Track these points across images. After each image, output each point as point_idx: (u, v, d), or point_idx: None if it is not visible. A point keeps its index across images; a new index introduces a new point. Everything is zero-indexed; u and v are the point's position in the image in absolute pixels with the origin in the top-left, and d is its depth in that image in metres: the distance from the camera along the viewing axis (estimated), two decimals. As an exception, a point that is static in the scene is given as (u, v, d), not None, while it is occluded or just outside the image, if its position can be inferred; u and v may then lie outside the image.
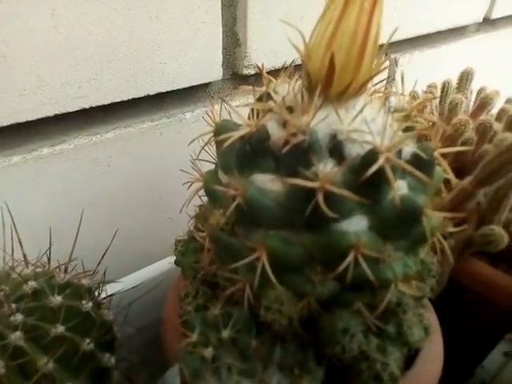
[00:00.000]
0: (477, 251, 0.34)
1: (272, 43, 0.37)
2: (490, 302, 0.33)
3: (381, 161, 0.18)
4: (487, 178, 0.30)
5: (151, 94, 0.32)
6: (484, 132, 0.36)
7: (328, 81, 0.20)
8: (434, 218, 0.22)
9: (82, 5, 0.27)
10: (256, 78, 0.38)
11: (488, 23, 0.68)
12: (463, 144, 0.36)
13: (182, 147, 0.29)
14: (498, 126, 0.36)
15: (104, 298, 0.27)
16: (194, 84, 0.35)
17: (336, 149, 0.20)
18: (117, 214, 0.33)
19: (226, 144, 0.21)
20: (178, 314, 0.26)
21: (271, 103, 0.22)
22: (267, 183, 0.21)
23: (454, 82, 0.45)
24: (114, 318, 0.26)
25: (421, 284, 0.24)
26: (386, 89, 0.41)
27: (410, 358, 0.26)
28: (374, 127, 0.21)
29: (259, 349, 0.22)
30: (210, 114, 0.24)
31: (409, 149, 0.22)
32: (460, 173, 0.35)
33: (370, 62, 0.20)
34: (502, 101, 0.46)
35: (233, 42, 0.36)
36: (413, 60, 0.57)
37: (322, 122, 0.20)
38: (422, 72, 0.58)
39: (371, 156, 0.19)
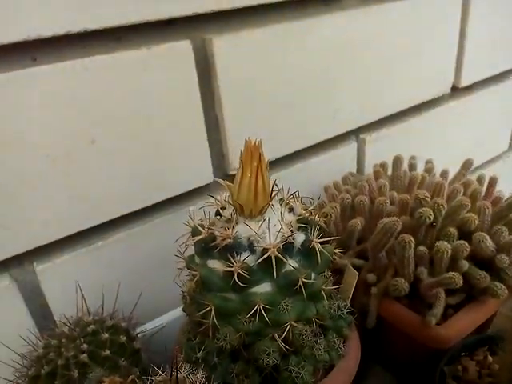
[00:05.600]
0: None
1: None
2: (405, 334, 0.46)
3: (266, 254, 0.34)
4: (375, 247, 0.44)
5: (164, 199, 0.50)
6: (402, 206, 0.49)
7: (240, 210, 0.36)
8: (315, 282, 0.36)
9: (118, 141, 0.46)
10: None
11: (457, 92, 0.80)
12: (388, 215, 0.50)
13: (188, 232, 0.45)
14: (412, 201, 0.49)
15: (136, 335, 0.44)
16: (194, 187, 0.52)
17: (251, 246, 0.36)
18: (143, 280, 0.50)
19: (193, 242, 0.38)
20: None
21: (217, 219, 0.38)
22: (214, 265, 0.36)
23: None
24: (141, 347, 0.43)
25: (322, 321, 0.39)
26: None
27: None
28: (274, 230, 0.36)
29: (220, 364, 0.38)
30: (188, 221, 0.40)
31: (301, 238, 0.37)
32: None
33: (262, 199, 0.35)
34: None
35: (219, 156, 0.53)
36: (379, 137, 0.71)
37: (241, 230, 0.36)
38: (390, 147, 0.71)
39: (263, 251, 0.34)
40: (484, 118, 0.88)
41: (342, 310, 0.42)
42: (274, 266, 0.34)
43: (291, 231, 0.37)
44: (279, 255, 0.34)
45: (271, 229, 0.36)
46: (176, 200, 0.53)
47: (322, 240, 0.37)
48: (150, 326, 0.48)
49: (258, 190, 0.35)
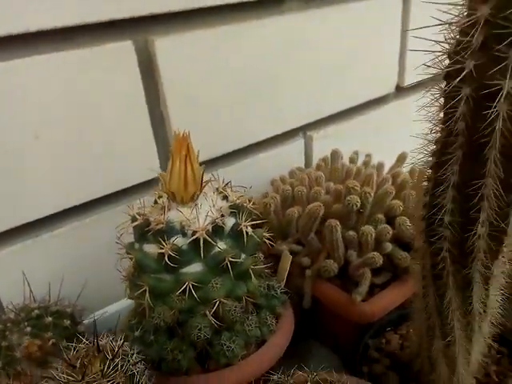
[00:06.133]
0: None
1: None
2: (336, 311, 0.49)
3: (195, 236, 0.37)
4: (303, 231, 0.47)
5: (112, 192, 0.53)
6: (336, 195, 0.53)
7: (173, 198, 0.39)
8: (245, 261, 0.40)
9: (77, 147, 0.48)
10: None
11: (402, 91, 0.85)
12: (323, 204, 0.53)
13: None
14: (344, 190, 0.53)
15: (82, 320, 0.46)
16: (143, 181, 0.55)
17: (183, 229, 0.39)
18: (92, 270, 0.53)
19: (131, 228, 0.40)
20: (123, 326, 0.45)
21: (153, 206, 0.41)
22: (149, 249, 0.39)
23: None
24: (86, 331, 0.45)
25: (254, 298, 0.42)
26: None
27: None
28: (204, 215, 0.39)
29: (156, 341, 0.40)
30: (129, 209, 0.43)
31: (231, 223, 0.40)
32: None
33: (192, 186, 0.39)
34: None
35: (166, 151, 0.56)
36: (327, 134, 0.75)
37: (174, 216, 0.39)
38: (338, 143, 0.75)
39: (193, 233, 0.37)
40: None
41: (275, 290, 0.46)
42: (202, 247, 0.37)
43: (222, 215, 0.40)
44: (207, 237, 0.37)
45: (202, 214, 0.39)
46: (126, 192, 0.55)
47: (250, 223, 0.41)
48: (100, 313, 0.51)
49: (187, 178, 0.38)
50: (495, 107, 0.23)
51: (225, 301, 0.39)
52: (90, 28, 0.47)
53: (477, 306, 0.32)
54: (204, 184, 0.40)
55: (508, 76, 0.22)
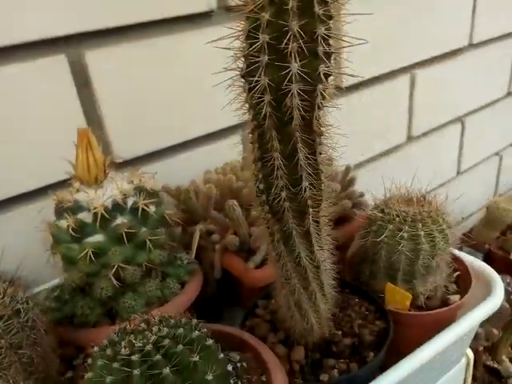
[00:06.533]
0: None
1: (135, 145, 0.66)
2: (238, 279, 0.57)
3: (94, 211, 0.46)
4: (204, 209, 0.56)
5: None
6: (247, 181, 0.61)
7: (81, 181, 0.48)
8: (141, 233, 0.48)
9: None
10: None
11: (343, 91, 0.92)
12: (235, 189, 0.61)
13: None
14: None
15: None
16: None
17: (88, 207, 0.47)
18: (26, 251, 0.61)
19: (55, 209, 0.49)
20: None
21: (68, 190, 0.50)
22: (62, 224, 0.48)
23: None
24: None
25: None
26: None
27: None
28: (107, 195, 0.48)
29: (71, 300, 0.49)
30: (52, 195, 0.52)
31: (132, 201, 0.49)
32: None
33: (94, 170, 0.47)
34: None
35: (104, 148, 0.65)
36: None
37: (82, 196, 0.48)
38: None
39: (92, 208, 0.46)
40: (378, 113, 1.01)
41: (182, 261, 0.54)
42: (99, 220, 0.46)
43: (124, 195, 0.49)
44: (104, 212, 0.46)
45: (105, 194, 0.48)
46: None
47: (148, 202, 0.49)
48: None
49: (89, 164, 0.47)
50: (262, 97, 0.31)
51: (124, 265, 0.47)
52: (27, 45, 0.56)
53: (303, 259, 0.40)
54: (108, 171, 0.49)
55: (261, 73, 0.30)
